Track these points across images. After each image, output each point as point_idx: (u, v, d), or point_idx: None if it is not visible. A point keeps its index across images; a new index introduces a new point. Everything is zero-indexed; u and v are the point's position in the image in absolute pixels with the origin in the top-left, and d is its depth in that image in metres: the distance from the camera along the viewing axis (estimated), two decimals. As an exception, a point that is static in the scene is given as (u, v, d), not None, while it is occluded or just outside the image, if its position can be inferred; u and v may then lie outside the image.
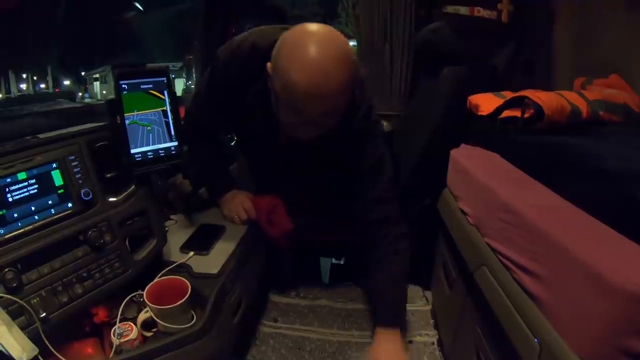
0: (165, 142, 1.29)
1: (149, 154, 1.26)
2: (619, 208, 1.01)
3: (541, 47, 2.64)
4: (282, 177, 1.75)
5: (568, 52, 2.46)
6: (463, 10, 2.65)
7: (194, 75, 3.44)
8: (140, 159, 1.25)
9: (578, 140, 1.41)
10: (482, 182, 1.38)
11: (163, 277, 1.24)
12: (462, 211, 1.52)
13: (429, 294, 2.01)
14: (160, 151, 1.28)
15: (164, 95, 1.30)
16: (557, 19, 2.55)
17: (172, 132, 1.30)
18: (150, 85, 1.27)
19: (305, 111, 1.18)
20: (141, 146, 1.25)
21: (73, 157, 1.19)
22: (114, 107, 1.23)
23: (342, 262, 2.24)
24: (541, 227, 1.00)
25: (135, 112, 1.24)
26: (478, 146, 1.75)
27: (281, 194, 1.76)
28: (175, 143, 1.31)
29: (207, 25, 2.84)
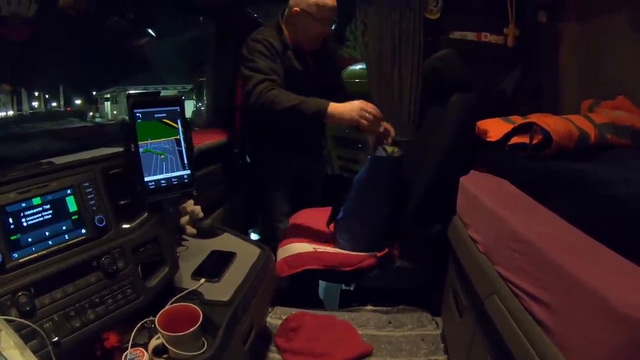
0: (178, 170, 1.31)
1: (162, 182, 1.28)
2: (627, 234, 1.00)
3: (548, 70, 2.65)
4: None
5: (575, 75, 2.46)
6: (470, 35, 2.68)
7: (204, 97, 3.48)
8: (153, 187, 1.27)
9: (586, 165, 1.41)
10: (491, 210, 1.38)
11: (175, 304, 1.24)
12: (472, 239, 1.51)
13: (438, 319, 2.00)
14: (173, 179, 1.30)
15: (177, 124, 1.32)
16: (563, 41, 2.56)
17: (185, 161, 1.33)
18: (164, 114, 1.30)
19: (333, 12, 2.14)
20: (154, 174, 1.27)
21: (88, 184, 1.22)
22: (128, 136, 1.25)
23: (351, 288, 2.24)
24: (550, 256, 1.00)
25: (149, 141, 1.27)
26: (487, 172, 1.76)
27: None
28: (188, 171, 1.33)
29: (219, 50, 2.90)
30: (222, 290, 1.38)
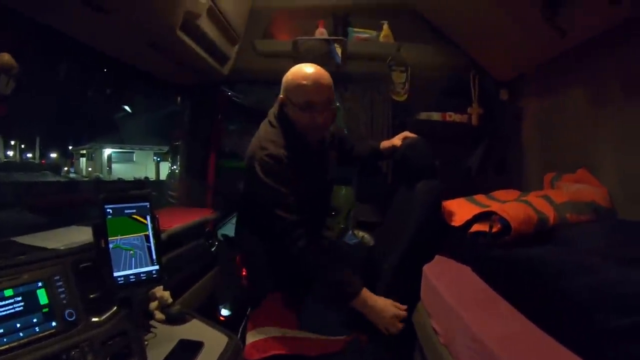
0: (146, 265, 1.34)
1: (131, 277, 1.31)
2: (582, 331, 1.03)
3: (511, 145, 2.75)
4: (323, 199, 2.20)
5: (537, 149, 2.56)
6: (436, 116, 2.80)
7: (178, 161, 3.53)
8: (122, 282, 1.29)
9: (544, 251, 1.44)
10: (450, 305, 1.40)
11: (141, 400, 1.24)
12: (434, 329, 1.52)
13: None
14: (142, 275, 1.33)
15: (146, 219, 1.36)
16: (524, 118, 2.67)
17: (154, 256, 1.36)
18: (134, 210, 1.34)
19: (316, 95, 1.85)
20: (124, 270, 1.30)
21: (58, 277, 1.25)
22: (98, 232, 1.28)
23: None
24: None
25: (119, 237, 1.30)
26: (451, 258, 1.80)
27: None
28: (157, 267, 1.36)
29: (193, 127, 2.97)
30: (189, 383, 1.38)
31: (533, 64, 2.46)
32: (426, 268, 1.77)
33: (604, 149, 1.96)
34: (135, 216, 1.34)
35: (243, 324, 2.11)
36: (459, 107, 2.84)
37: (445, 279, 1.62)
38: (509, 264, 1.46)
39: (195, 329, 1.70)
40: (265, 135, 1.94)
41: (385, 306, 1.79)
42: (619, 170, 1.88)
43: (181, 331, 1.67)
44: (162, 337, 1.61)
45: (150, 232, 1.36)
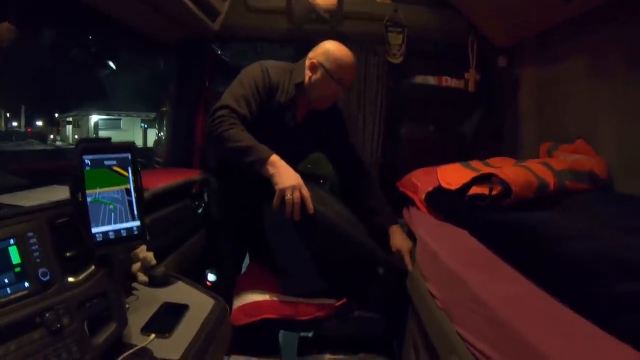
0: (127, 221, 1.26)
1: (110, 233, 1.22)
2: (585, 293, 1.00)
3: (507, 113, 2.71)
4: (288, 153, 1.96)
5: (534, 118, 2.53)
6: (431, 80, 2.74)
7: (164, 127, 3.45)
8: (101, 239, 1.21)
9: (545, 216, 1.43)
10: (450, 267, 1.36)
11: (122, 363, 1.18)
12: (431, 293, 1.48)
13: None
14: (122, 231, 1.24)
15: (127, 172, 1.27)
16: (522, 86, 2.64)
17: (135, 212, 1.27)
18: (114, 162, 1.25)
19: (351, 76, 2.08)
20: (102, 225, 1.21)
21: (32, 234, 1.15)
22: (76, 184, 1.19)
23: (310, 335, 2.18)
24: (508, 321, 0.99)
25: (98, 190, 1.21)
26: (447, 222, 1.75)
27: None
28: (138, 223, 1.27)
29: (180, 86, 2.87)
30: (172, 346, 1.32)
31: (534, 31, 2.43)
32: (422, 231, 1.73)
33: (602, 121, 1.96)
34: (115, 168, 1.25)
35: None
36: (456, 71, 2.77)
37: (443, 243, 1.58)
38: (509, 227, 1.43)
39: (179, 291, 1.65)
40: (279, 63, 2.12)
41: (295, 175, 1.80)
42: (618, 143, 1.88)
43: (165, 294, 1.62)
44: (144, 300, 1.56)
45: (131, 185, 1.28)
